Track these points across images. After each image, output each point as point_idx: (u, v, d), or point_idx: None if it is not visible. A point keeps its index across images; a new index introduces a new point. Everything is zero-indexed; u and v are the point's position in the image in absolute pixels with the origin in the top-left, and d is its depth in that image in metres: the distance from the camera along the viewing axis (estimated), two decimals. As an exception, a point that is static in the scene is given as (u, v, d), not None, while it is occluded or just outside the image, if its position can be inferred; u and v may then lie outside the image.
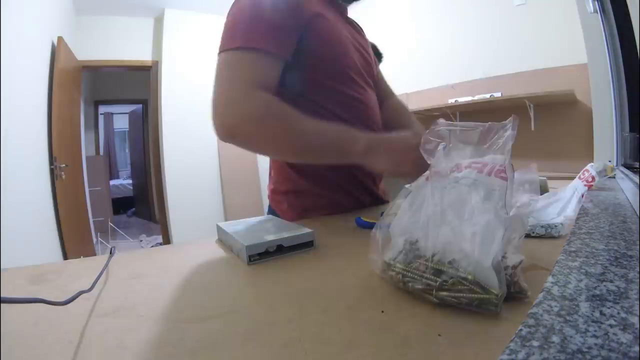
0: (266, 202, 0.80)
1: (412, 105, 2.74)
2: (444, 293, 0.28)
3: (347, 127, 0.58)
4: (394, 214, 0.36)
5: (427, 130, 0.38)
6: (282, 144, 0.58)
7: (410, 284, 0.31)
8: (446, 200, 0.32)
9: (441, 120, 0.38)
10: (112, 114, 6.58)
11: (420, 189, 0.36)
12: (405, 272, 0.31)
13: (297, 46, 0.59)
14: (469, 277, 0.27)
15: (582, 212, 0.49)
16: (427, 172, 0.37)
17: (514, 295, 0.29)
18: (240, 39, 0.54)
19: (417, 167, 0.46)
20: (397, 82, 3.08)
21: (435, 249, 0.30)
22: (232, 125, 0.56)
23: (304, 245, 0.49)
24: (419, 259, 0.31)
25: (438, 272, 0.29)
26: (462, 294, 0.27)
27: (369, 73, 0.78)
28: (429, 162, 0.38)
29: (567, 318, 0.18)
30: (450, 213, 0.31)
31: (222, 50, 0.56)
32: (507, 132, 0.34)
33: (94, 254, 2.43)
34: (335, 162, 0.62)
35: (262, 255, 0.45)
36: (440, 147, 0.37)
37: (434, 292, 0.28)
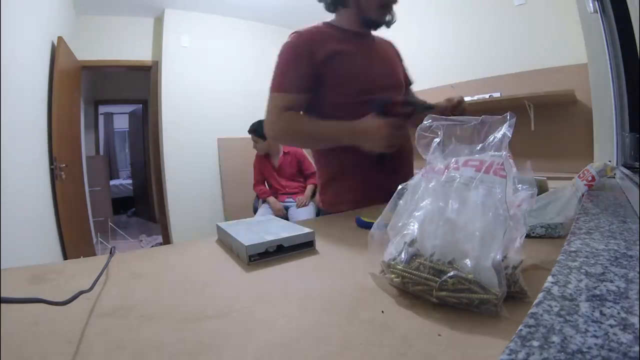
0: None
1: (412, 105, 2.74)
2: (444, 293, 0.28)
3: (339, 122, 0.84)
4: (392, 213, 0.36)
5: (420, 125, 0.38)
6: (299, 142, 1.03)
7: (410, 285, 0.31)
8: (443, 199, 0.32)
9: (434, 115, 0.38)
10: (112, 114, 6.58)
11: (416, 188, 0.36)
12: (404, 274, 0.31)
13: (319, 79, 0.89)
14: (469, 277, 0.27)
15: (582, 212, 0.49)
16: (422, 169, 0.37)
17: (514, 295, 0.29)
18: (275, 85, 0.89)
19: (387, 140, 0.78)
20: (397, 82, 3.05)
21: (434, 248, 0.30)
22: (272, 136, 0.92)
23: (304, 245, 0.49)
24: (418, 258, 0.31)
25: (438, 272, 0.29)
26: (462, 294, 0.27)
27: (391, 84, 0.99)
28: (424, 157, 0.37)
29: (567, 318, 0.18)
30: (448, 212, 0.31)
31: (270, 91, 0.90)
32: (504, 128, 0.33)
33: (94, 254, 2.43)
34: (332, 145, 0.92)
35: (262, 255, 0.45)
36: (435, 142, 0.37)
37: (433, 292, 0.28)
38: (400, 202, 0.36)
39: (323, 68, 0.88)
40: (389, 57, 1.06)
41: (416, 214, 0.33)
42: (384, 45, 1.07)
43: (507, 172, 0.31)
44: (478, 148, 0.34)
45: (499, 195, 0.30)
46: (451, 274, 0.27)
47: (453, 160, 0.35)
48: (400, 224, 0.34)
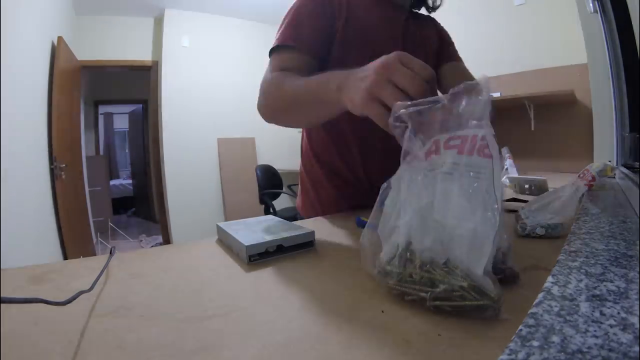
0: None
1: (412, 105, 2.74)
2: (438, 302, 0.27)
3: (330, 71, 0.52)
4: (381, 214, 0.34)
5: (390, 116, 0.35)
6: (279, 105, 0.62)
7: (404, 296, 0.30)
8: (428, 195, 0.30)
9: (399, 103, 0.34)
10: (112, 114, 6.58)
11: (399, 183, 0.33)
12: (398, 286, 0.30)
13: (329, 43, 0.69)
14: (463, 284, 0.26)
15: (582, 212, 0.49)
16: (403, 162, 0.33)
17: (508, 280, 0.29)
18: (276, 40, 0.67)
19: (371, 97, 0.40)
20: (397, 82, 3.06)
21: (424, 253, 0.29)
22: (258, 105, 0.67)
23: (304, 245, 0.49)
24: (410, 263, 0.30)
25: (430, 281, 0.28)
26: (456, 303, 0.26)
27: None
28: (402, 146, 0.34)
29: (567, 318, 0.18)
30: (435, 213, 0.29)
31: (269, 53, 0.69)
32: (483, 96, 0.29)
33: (94, 254, 2.43)
34: (322, 110, 0.57)
35: (262, 255, 0.45)
36: (408, 132, 0.33)
37: (427, 302, 0.27)
38: (387, 201, 0.34)
39: (339, 31, 0.68)
40: (421, 43, 0.86)
41: (403, 216, 0.31)
42: (420, 25, 0.88)
43: (492, 150, 0.28)
44: (457, 124, 0.31)
45: (487, 184, 0.27)
46: (443, 286, 0.26)
47: (432, 143, 0.31)
48: (388, 228, 0.33)
